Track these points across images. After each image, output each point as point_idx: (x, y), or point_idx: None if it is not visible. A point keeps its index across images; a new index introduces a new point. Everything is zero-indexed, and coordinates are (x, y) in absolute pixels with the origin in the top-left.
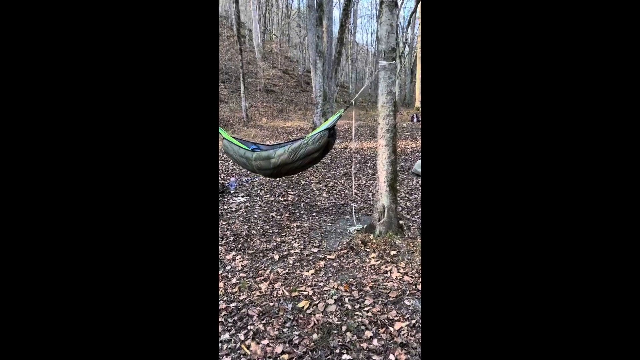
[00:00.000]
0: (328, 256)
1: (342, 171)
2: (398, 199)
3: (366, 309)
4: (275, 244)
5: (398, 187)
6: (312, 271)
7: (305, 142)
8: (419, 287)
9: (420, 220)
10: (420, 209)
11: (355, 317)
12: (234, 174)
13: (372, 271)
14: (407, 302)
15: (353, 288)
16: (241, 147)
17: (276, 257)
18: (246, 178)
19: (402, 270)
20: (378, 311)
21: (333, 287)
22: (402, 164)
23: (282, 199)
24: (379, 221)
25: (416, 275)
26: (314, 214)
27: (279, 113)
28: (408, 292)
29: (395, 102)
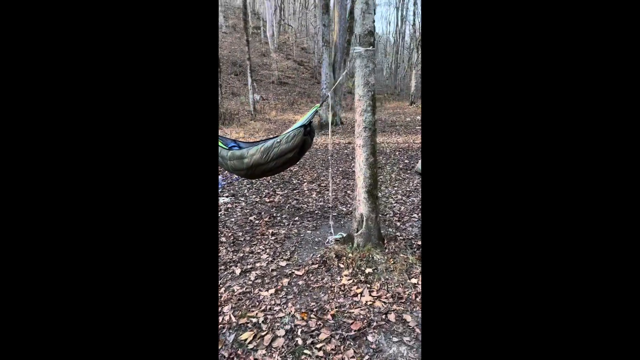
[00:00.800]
0: (296, 272)
1: (340, 169)
2: (393, 202)
3: (319, 345)
4: (242, 254)
5: (396, 188)
6: (273, 291)
7: (279, 140)
8: (390, 317)
9: (411, 229)
10: (414, 215)
11: (303, 356)
12: (225, 172)
13: (340, 293)
14: (370, 338)
15: (312, 315)
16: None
17: (237, 271)
18: (236, 176)
19: (374, 294)
20: (332, 349)
21: (289, 314)
22: (406, 161)
23: (267, 200)
24: (357, 232)
25: (390, 300)
26: (297, 218)
27: (289, 106)
28: (375, 323)
29: (374, 95)
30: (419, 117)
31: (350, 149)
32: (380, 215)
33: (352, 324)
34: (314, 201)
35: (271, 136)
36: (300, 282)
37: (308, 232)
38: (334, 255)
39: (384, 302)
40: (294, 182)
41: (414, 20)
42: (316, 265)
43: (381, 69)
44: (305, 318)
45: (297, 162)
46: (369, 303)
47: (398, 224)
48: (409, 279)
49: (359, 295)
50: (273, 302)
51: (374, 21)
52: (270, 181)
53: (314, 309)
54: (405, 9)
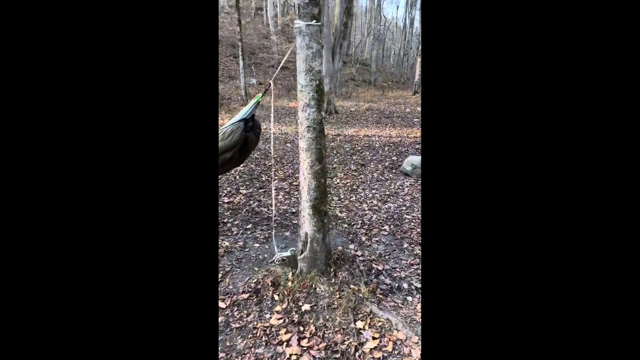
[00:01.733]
0: (219, 303)
1: None
2: (366, 208)
3: None
4: None
5: (374, 191)
6: None
7: None
8: None
9: (377, 246)
10: (384, 228)
11: None
12: None
13: (263, 339)
14: None
15: None
16: None
17: None
18: None
19: (305, 342)
20: None
21: None
22: (394, 158)
23: (226, 201)
24: (300, 254)
25: (322, 354)
26: (250, 226)
27: (287, 92)
28: None
29: (319, 85)
30: (419, 108)
31: (338, 141)
32: (346, 225)
33: None
34: (278, 204)
35: None
36: (219, 319)
37: (256, 245)
38: (270, 283)
39: (314, 356)
40: (263, 179)
41: None
42: (246, 295)
43: (388, 56)
44: None
45: (278, 157)
46: (294, 357)
47: (363, 238)
48: (354, 322)
49: (285, 344)
50: None
51: None
52: (237, 177)
53: None
54: None
